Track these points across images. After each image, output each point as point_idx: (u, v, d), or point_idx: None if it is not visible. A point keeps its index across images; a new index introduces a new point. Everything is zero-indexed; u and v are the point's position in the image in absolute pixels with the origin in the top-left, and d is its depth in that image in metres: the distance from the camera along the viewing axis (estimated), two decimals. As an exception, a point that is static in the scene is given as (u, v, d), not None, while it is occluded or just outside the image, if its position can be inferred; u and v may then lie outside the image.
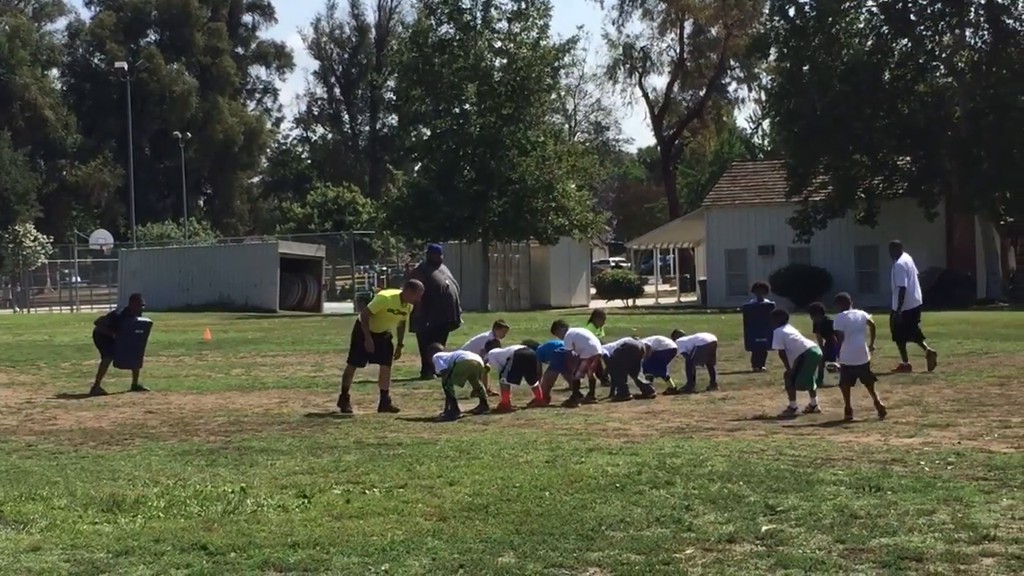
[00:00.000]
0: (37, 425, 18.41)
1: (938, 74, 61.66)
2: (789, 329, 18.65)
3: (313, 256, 70.19)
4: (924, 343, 24.36)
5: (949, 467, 12.96)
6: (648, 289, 74.02)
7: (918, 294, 24.73)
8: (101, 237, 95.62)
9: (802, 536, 10.00)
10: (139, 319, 24.30)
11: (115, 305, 64.37)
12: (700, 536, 10.06)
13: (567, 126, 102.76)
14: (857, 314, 17.75)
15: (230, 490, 12.32)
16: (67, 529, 10.77)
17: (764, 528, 10.29)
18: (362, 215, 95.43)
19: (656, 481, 12.40)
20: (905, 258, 24.47)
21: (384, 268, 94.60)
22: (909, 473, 12.65)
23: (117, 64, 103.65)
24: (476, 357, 19.43)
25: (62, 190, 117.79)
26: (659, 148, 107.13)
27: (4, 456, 15.16)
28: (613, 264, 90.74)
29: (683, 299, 71.82)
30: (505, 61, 64.04)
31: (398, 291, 19.98)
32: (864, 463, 13.30)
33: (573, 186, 64.12)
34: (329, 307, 69.01)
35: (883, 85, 59.39)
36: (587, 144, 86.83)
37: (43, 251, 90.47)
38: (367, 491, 12.19)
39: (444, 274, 25.26)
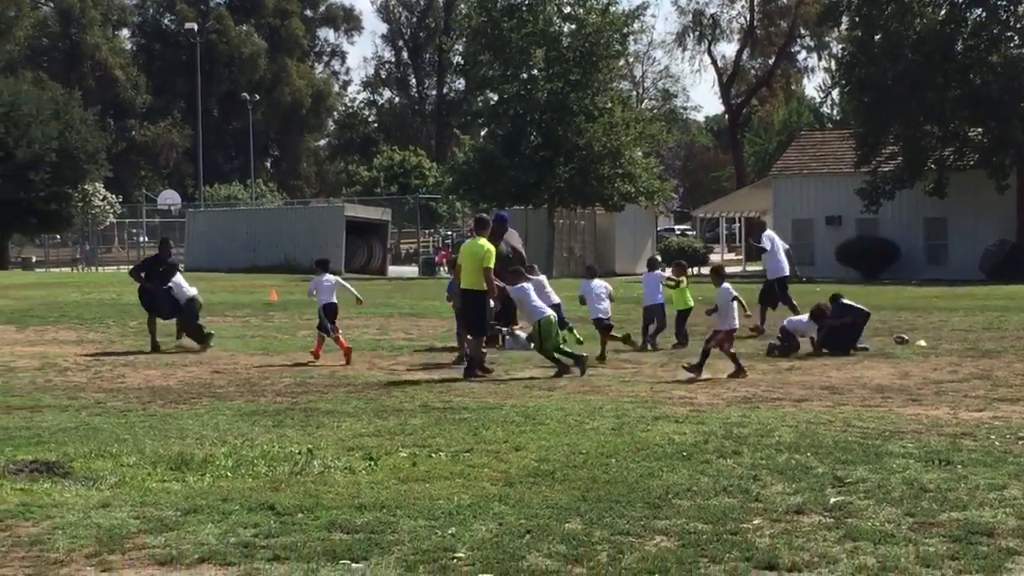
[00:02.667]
0: (106, 383, 18.57)
1: (1012, 45, 60.85)
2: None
3: (379, 219, 70.28)
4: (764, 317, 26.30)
5: (1020, 442, 12.82)
6: (713, 258, 73.64)
7: (785, 266, 27.40)
8: (169, 197, 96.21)
9: (871, 509, 9.92)
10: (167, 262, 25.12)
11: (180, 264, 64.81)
12: (768, 507, 10.00)
13: (635, 93, 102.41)
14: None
15: (297, 451, 12.36)
16: (136, 486, 10.85)
17: (832, 500, 10.21)
18: (428, 179, 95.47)
19: (723, 450, 12.34)
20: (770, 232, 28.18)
21: (449, 232, 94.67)
22: (979, 447, 12.53)
23: (187, 25, 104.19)
24: (550, 310, 19.93)
25: (131, 150, 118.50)
26: (727, 116, 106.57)
27: (74, 413, 15.29)
28: (678, 232, 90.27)
29: (748, 268, 71.45)
30: (574, 26, 63.70)
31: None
32: (933, 436, 13.18)
33: (640, 153, 63.80)
34: (394, 271, 69.18)
35: (956, 55, 58.66)
36: (654, 111, 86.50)
37: (112, 210, 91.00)
38: (433, 455, 12.20)
39: (507, 244, 24.90)
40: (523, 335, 22.59)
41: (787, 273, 27.52)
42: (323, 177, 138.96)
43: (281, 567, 8.33)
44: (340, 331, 22.11)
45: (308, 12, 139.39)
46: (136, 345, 24.25)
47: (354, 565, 8.37)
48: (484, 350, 19.86)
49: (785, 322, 23.01)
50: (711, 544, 8.82)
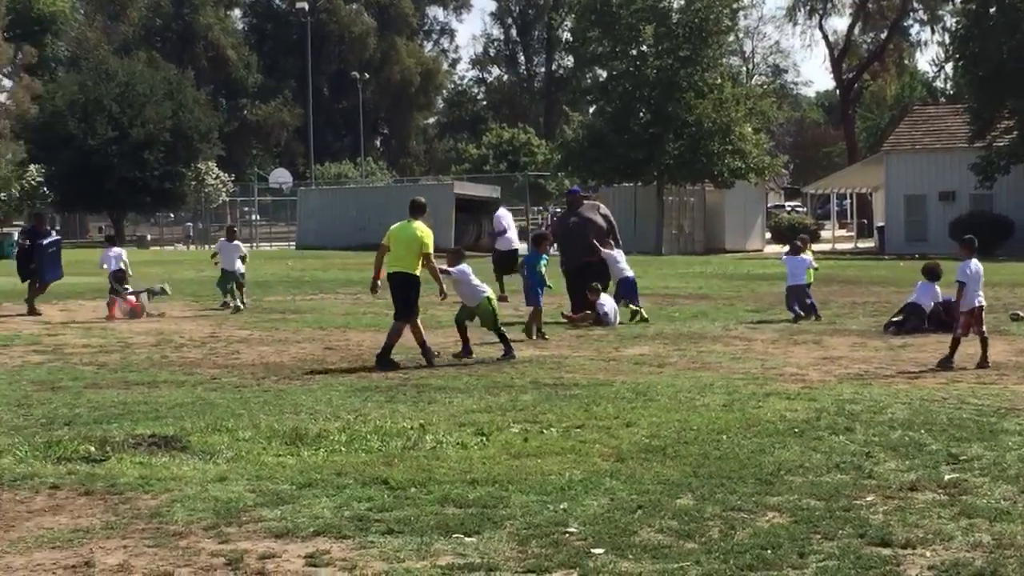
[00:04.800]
0: (221, 359, 18.81)
1: None
2: None
3: (488, 197, 70.35)
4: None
5: None
6: (824, 235, 72.99)
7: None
8: (280, 176, 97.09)
9: (986, 486, 9.83)
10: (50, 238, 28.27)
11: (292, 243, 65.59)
12: (881, 483, 9.94)
13: (744, 68, 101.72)
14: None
15: (409, 426, 12.46)
16: (252, 460, 11.00)
17: (947, 477, 10.13)
18: (537, 156, 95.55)
19: (835, 427, 12.27)
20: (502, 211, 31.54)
21: (558, 210, 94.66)
22: (1097, 425, 12.36)
23: (298, 4, 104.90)
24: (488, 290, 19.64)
25: (243, 129, 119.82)
26: (838, 91, 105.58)
27: (190, 389, 15.52)
28: (788, 209, 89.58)
29: (860, 245, 70.77)
30: (683, 2, 63.46)
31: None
32: (1050, 414, 13.01)
33: (750, 129, 63.42)
34: (503, 248, 69.17)
35: (1073, 28, 57.64)
36: (764, 87, 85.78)
37: (224, 189, 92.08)
38: (544, 430, 12.24)
39: (579, 216, 24.80)
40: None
41: None
42: (432, 155, 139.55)
43: (395, 540, 8.42)
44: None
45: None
46: (250, 323, 24.52)
47: (467, 539, 8.44)
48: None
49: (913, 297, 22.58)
50: (824, 521, 8.79)
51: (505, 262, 29.11)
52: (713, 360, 18.10)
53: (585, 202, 25.46)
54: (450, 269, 18.58)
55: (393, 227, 18.47)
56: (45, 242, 27.80)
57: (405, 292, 18.06)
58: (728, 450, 11.23)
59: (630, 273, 24.28)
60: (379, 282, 18.65)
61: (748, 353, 18.94)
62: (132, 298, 26.28)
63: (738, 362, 17.84)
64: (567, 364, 17.74)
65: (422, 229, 18.20)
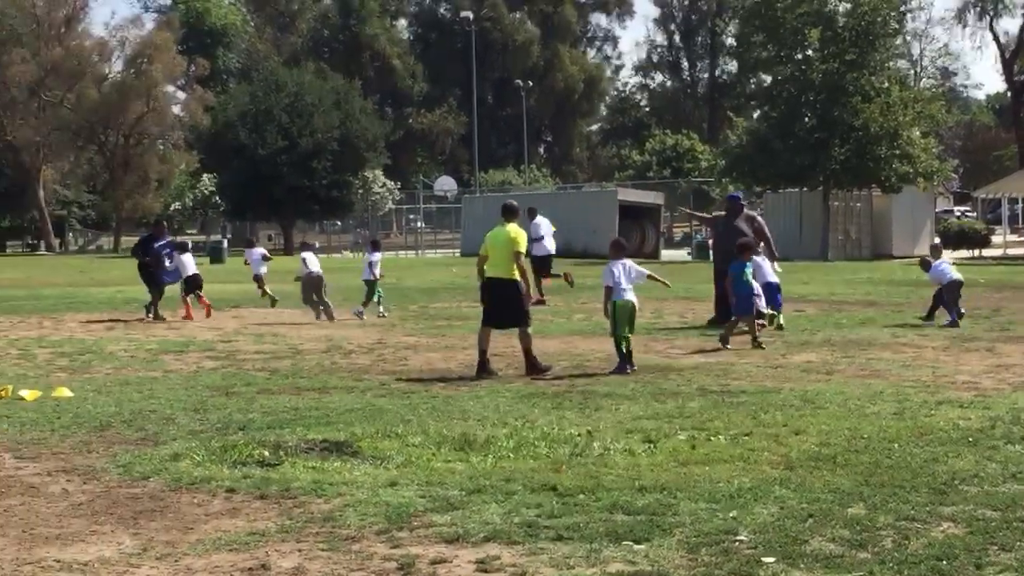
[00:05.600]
0: (389, 365, 19.03)
1: None
2: None
3: (652, 203, 70.22)
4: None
5: None
6: (995, 240, 71.54)
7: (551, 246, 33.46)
8: (445, 183, 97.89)
9: None
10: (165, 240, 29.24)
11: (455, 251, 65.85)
12: (1059, 494, 9.73)
13: (912, 72, 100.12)
14: None
15: (576, 433, 12.49)
16: (422, 466, 11.11)
17: None
18: (700, 162, 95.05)
19: (1011, 436, 12.03)
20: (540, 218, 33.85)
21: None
22: None
23: (462, 13, 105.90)
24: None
25: (408, 137, 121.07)
26: (1009, 93, 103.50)
27: (360, 394, 15.72)
28: (957, 214, 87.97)
29: (1033, 250, 69.25)
30: (849, 5, 62.64)
31: None
32: None
33: (918, 133, 62.41)
34: (667, 254, 69.03)
35: None
36: (933, 90, 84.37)
37: (391, 197, 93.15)
38: (712, 438, 12.19)
39: (726, 224, 24.73)
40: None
41: None
42: (595, 162, 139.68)
43: (564, 547, 8.44)
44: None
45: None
46: (416, 329, 24.76)
47: (636, 546, 8.43)
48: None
49: None
50: (1000, 531, 8.62)
51: (542, 266, 32.22)
52: (882, 367, 17.86)
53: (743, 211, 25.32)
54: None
55: (488, 234, 18.55)
56: (157, 245, 28.61)
57: (511, 299, 18.01)
58: (900, 459, 11.08)
59: (774, 279, 23.65)
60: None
61: (918, 360, 18.66)
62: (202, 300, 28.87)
63: (908, 369, 17.58)
64: (733, 371, 17.64)
65: (515, 231, 18.28)
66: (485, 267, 18.31)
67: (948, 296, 24.26)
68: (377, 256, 28.15)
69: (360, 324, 26.12)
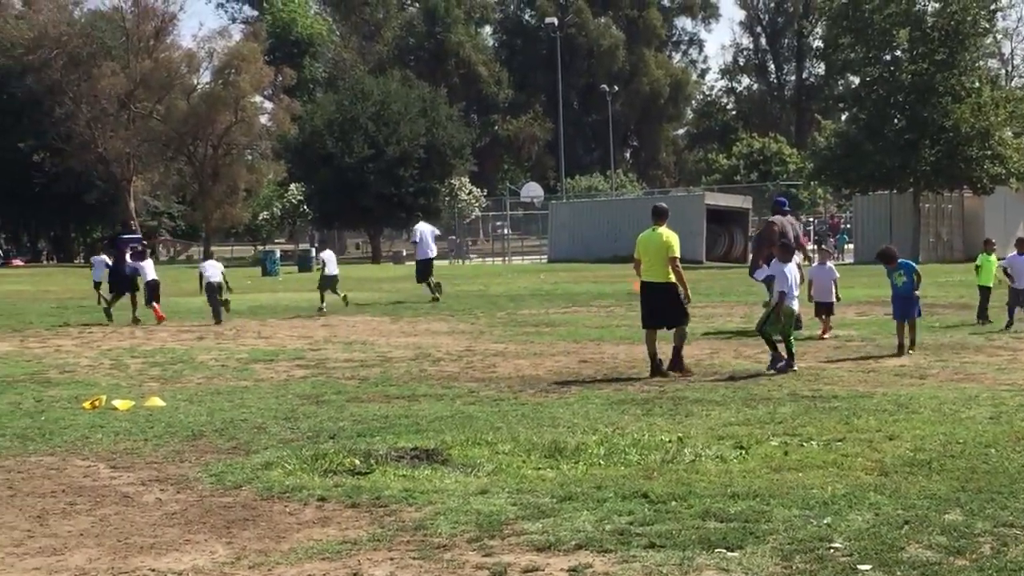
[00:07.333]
0: (478, 372, 19.03)
1: None
2: None
3: (740, 207, 69.88)
4: None
5: None
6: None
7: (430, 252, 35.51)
8: (531, 190, 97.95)
9: None
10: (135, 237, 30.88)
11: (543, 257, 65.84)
12: None
13: (1004, 71, 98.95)
14: None
15: (667, 439, 12.42)
16: (512, 473, 11.09)
17: None
18: (788, 166, 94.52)
19: (1110, 441, 11.84)
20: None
21: (811, 220, 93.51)
22: None
23: (547, 20, 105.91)
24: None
25: (494, 144, 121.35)
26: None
27: (449, 402, 15.74)
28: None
29: None
30: (938, 5, 62.06)
31: None
32: None
33: (1010, 133, 61.70)
34: (755, 258, 68.56)
35: None
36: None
37: (477, 204, 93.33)
38: (805, 443, 12.07)
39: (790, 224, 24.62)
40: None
41: None
42: (682, 166, 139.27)
43: (657, 555, 8.37)
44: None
45: (665, 2, 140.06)
46: (505, 337, 24.75)
47: (729, 554, 8.35)
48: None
49: None
50: (1102, 538, 8.47)
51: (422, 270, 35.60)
52: (977, 371, 17.63)
53: (786, 217, 25.03)
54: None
55: (640, 237, 18.54)
56: (124, 236, 31.36)
57: (668, 301, 18.18)
58: (997, 464, 10.92)
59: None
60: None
61: (1014, 364, 18.41)
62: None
63: (1004, 373, 17.34)
64: (825, 376, 17.48)
65: (667, 234, 18.23)
66: (640, 271, 18.53)
67: (1012, 299, 24.38)
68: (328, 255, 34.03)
69: (449, 331, 26.17)
